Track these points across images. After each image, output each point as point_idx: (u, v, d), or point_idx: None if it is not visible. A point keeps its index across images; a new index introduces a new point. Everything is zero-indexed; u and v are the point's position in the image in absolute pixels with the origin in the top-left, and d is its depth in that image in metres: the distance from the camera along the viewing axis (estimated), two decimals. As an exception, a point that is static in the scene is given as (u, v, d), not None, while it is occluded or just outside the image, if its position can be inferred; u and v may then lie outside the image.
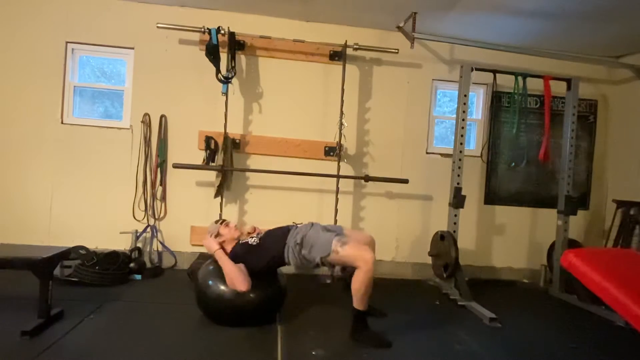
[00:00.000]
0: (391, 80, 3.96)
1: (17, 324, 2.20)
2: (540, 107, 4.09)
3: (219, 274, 2.50)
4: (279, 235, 2.59)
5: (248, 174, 3.81)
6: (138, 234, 3.64)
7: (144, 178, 3.69)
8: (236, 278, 2.43)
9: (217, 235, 2.68)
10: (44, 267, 2.28)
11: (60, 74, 3.64)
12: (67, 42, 3.64)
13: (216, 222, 2.82)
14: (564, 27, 3.53)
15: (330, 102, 3.84)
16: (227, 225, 2.74)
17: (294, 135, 3.84)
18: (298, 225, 2.63)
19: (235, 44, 3.57)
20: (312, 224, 2.61)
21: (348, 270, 2.92)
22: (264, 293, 2.53)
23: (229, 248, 2.63)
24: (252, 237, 2.66)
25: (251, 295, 2.45)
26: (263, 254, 2.55)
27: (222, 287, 2.46)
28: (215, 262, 2.58)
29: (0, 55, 3.58)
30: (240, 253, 2.57)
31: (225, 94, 3.49)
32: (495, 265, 4.15)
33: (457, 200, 3.41)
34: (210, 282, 2.50)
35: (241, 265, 2.50)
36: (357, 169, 3.92)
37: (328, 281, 3.60)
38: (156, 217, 3.74)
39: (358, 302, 2.36)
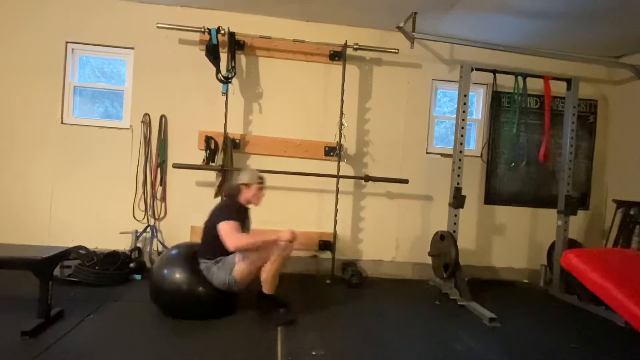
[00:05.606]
0: (391, 80, 3.96)
1: (17, 324, 2.20)
2: (540, 107, 4.09)
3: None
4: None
5: (248, 174, 3.81)
6: (138, 234, 3.64)
7: (144, 178, 3.69)
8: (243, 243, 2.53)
9: (247, 185, 2.71)
10: (44, 267, 2.28)
11: (60, 74, 3.64)
12: (67, 42, 3.64)
13: (259, 177, 2.77)
14: (564, 27, 3.53)
15: (330, 102, 3.84)
16: (262, 190, 2.78)
17: (294, 135, 3.84)
18: None
19: (235, 44, 3.57)
20: None
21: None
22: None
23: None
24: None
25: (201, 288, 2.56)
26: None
27: (178, 276, 2.55)
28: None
29: (1, 55, 3.58)
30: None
31: (225, 94, 3.50)
32: (495, 265, 4.15)
33: (457, 200, 3.41)
34: (166, 272, 2.57)
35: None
36: (357, 169, 3.92)
37: (328, 281, 3.60)
38: (156, 217, 3.74)
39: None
